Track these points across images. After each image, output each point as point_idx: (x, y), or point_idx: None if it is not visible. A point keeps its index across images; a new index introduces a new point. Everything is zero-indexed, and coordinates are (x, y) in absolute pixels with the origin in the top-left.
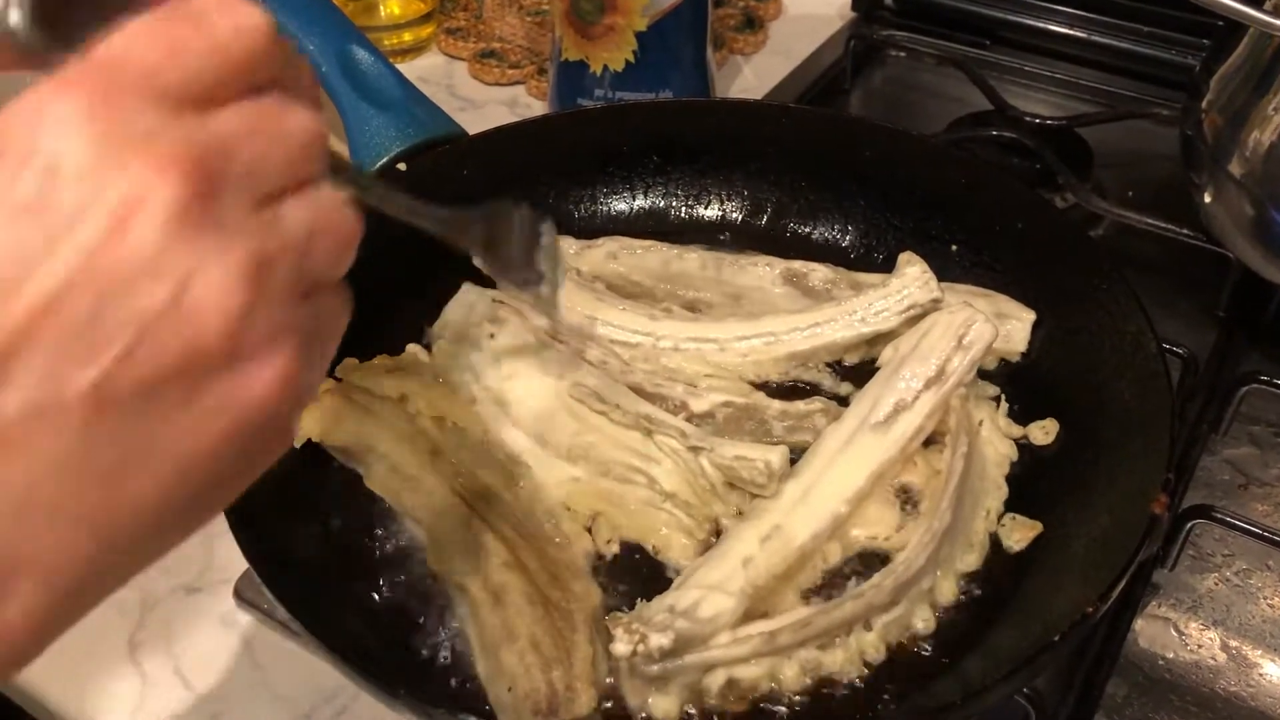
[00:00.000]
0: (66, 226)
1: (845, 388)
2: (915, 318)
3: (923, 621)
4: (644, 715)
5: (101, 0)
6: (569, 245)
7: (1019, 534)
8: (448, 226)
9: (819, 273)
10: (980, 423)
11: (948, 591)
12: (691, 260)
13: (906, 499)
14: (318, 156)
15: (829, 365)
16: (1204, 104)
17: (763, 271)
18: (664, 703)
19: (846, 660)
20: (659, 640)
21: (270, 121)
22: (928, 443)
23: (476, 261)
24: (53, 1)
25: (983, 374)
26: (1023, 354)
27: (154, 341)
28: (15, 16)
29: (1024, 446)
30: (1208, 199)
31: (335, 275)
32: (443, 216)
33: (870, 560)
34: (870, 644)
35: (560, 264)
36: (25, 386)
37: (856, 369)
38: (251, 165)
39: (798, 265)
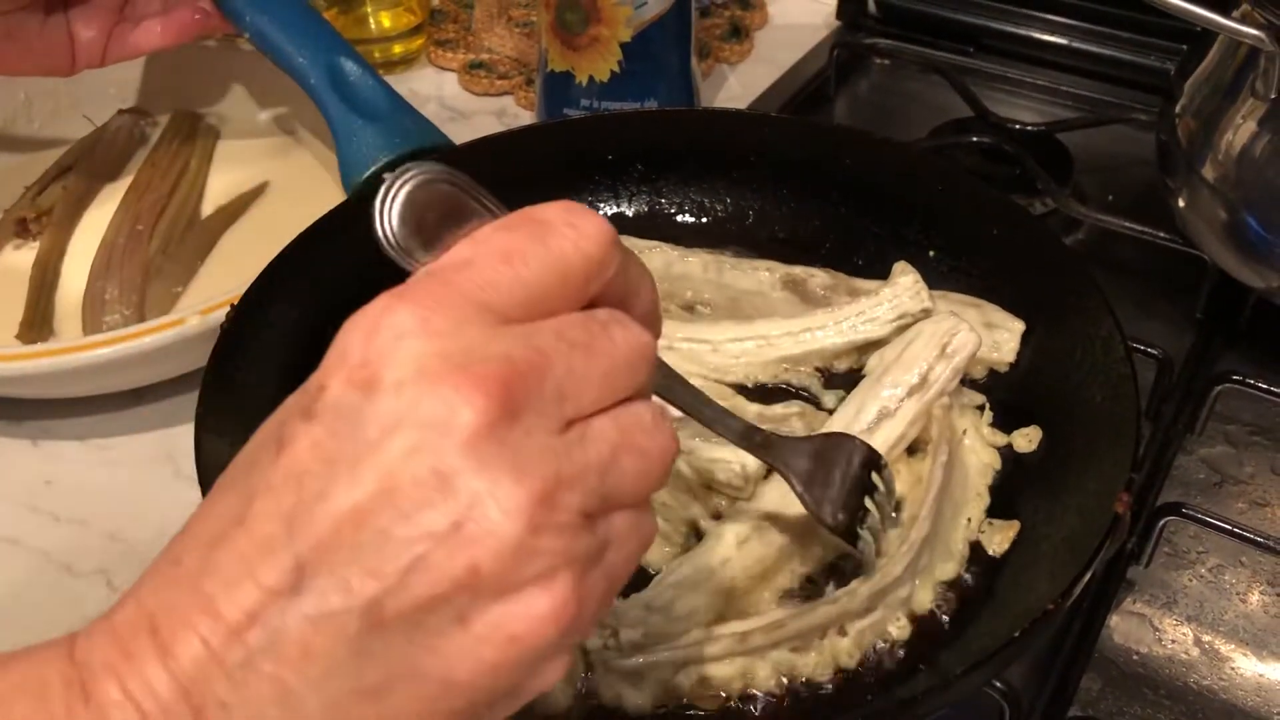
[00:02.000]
0: (375, 443)
1: (830, 399)
2: (905, 327)
3: (898, 628)
4: (618, 710)
5: (467, 211)
6: None
7: (999, 538)
8: (772, 452)
9: (818, 278)
10: (964, 432)
11: (925, 599)
12: (694, 263)
13: None
14: (641, 373)
15: (818, 370)
16: (1178, 109)
17: (763, 276)
18: (637, 698)
19: (820, 663)
20: (629, 635)
21: (596, 337)
22: (911, 450)
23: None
24: (422, 211)
25: (969, 383)
26: (1011, 364)
27: (432, 563)
28: (390, 226)
29: (1003, 453)
30: (1182, 203)
31: (638, 496)
32: (769, 441)
33: (850, 565)
34: (844, 649)
35: (890, 520)
36: (315, 595)
37: (845, 375)
38: (566, 383)
39: (798, 271)
